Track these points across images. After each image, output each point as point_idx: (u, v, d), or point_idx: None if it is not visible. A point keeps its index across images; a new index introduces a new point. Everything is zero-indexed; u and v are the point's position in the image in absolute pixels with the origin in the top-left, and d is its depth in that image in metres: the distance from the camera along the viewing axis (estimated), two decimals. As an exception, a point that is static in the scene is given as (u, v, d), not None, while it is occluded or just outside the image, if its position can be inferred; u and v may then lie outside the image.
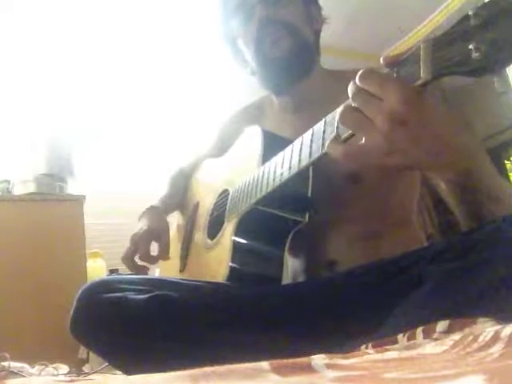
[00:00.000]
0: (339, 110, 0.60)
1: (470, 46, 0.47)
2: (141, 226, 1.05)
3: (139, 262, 1.00)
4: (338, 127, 0.63)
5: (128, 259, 0.99)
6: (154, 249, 1.03)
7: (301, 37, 0.95)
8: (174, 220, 1.30)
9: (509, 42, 0.45)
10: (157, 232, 1.04)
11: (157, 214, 1.10)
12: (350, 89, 0.58)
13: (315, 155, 0.67)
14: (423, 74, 0.51)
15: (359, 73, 0.57)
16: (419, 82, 0.53)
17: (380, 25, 2.83)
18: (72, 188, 2.40)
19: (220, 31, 1.08)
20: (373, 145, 0.56)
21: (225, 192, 1.02)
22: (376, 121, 0.55)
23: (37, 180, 2.26)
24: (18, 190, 2.27)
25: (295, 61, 0.94)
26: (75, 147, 2.52)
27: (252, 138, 0.94)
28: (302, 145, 0.72)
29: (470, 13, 0.47)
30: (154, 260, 1.01)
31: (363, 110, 0.56)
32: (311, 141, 0.69)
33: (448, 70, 0.50)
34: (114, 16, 2.52)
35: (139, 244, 1.00)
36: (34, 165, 2.29)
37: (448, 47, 0.50)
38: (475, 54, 0.47)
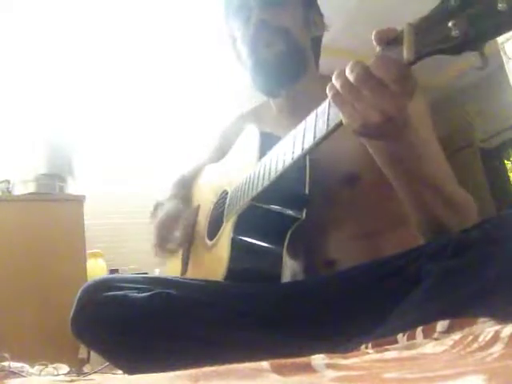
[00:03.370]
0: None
1: (450, 25, 0.48)
2: (167, 208, 1.09)
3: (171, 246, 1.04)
4: (328, 116, 0.64)
5: (163, 241, 1.03)
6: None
7: (294, 42, 0.97)
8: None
9: (487, 18, 0.46)
10: (186, 216, 1.08)
11: (182, 201, 1.14)
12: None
13: (308, 145, 0.68)
14: (406, 55, 0.53)
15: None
16: (403, 63, 0.54)
17: (380, 25, 2.83)
18: (72, 188, 2.40)
19: (224, 31, 1.10)
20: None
21: (223, 193, 1.02)
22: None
23: (37, 180, 2.26)
24: (18, 190, 2.27)
25: (285, 64, 0.97)
26: (75, 147, 2.52)
27: (249, 140, 0.94)
28: (295, 137, 0.73)
29: None
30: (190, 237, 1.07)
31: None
32: (304, 133, 0.70)
33: (429, 50, 0.52)
34: (114, 17, 2.52)
35: (178, 223, 1.04)
36: (34, 165, 2.29)
37: (429, 28, 0.51)
38: (455, 32, 0.48)
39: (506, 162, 3.65)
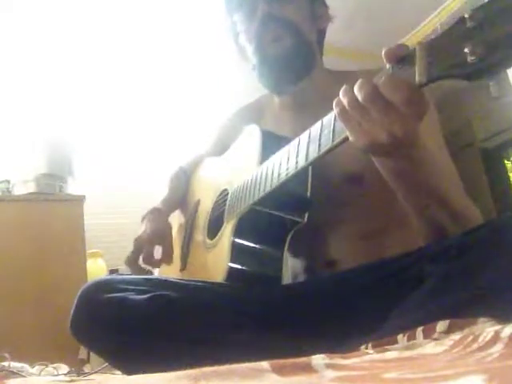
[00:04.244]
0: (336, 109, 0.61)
1: (466, 50, 0.46)
2: (144, 228, 1.04)
3: (143, 266, 1.00)
4: (334, 129, 0.63)
5: (132, 262, 0.99)
6: (157, 252, 1.03)
7: (302, 35, 0.95)
8: (175, 220, 1.30)
9: (505, 46, 0.44)
10: (160, 235, 1.03)
11: (159, 217, 1.09)
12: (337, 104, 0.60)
13: (312, 156, 0.68)
14: (418, 77, 0.51)
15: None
16: (414, 85, 0.53)
17: (380, 24, 2.83)
18: (72, 188, 2.40)
19: (225, 25, 1.07)
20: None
21: (224, 192, 1.02)
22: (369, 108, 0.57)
23: (37, 180, 2.26)
24: (18, 190, 2.27)
25: (295, 60, 0.95)
26: (75, 147, 2.52)
27: (250, 138, 0.94)
28: (299, 146, 0.72)
29: (466, 15, 0.46)
30: (157, 264, 1.01)
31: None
32: (308, 142, 0.69)
33: (443, 74, 0.50)
34: (114, 16, 2.52)
35: (143, 247, 0.99)
36: (34, 165, 2.29)
37: (443, 50, 0.49)
38: (471, 58, 0.46)
39: (506, 161, 3.65)
